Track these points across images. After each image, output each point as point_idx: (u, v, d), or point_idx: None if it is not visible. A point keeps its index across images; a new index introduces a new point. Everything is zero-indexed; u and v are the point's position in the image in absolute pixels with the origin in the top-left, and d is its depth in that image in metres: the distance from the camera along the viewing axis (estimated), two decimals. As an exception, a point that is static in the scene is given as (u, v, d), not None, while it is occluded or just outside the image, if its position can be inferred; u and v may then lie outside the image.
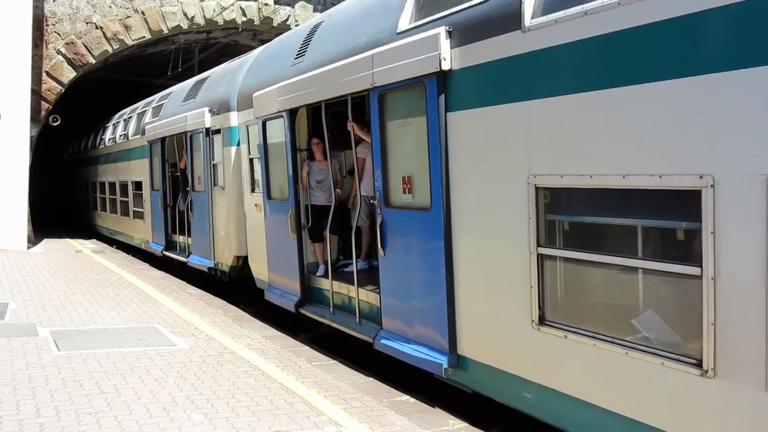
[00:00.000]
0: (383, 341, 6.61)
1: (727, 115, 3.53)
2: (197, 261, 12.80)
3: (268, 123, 9.02)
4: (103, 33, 19.63)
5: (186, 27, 20.50)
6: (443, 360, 5.72)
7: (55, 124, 20.52)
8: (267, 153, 9.15)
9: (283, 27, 20.01)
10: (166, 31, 20.31)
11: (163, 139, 14.43)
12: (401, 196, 6.35)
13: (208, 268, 12.25)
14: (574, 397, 4.53)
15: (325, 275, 8.15)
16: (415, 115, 6.08)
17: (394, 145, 6.50)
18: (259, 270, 10.11)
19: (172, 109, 14.36)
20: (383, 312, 6.71)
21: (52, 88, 19.08)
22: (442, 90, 5.60)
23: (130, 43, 19.97)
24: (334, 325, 7.79)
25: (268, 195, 9.13)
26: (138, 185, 17.42)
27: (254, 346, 7.78)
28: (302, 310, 8.41)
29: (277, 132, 8.78)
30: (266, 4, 21.00)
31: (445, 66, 5.50)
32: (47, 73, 18.97)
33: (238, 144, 10.85)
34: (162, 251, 14.87)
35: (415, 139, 6.09)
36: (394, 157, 6.51)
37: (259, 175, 9.84)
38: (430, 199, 5.82)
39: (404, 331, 6.35)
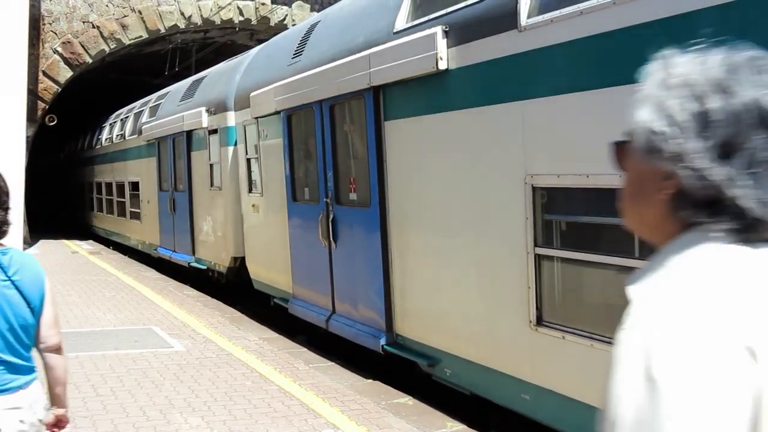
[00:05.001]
0: (335, 323, 7.40)
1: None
2: (179, 257, 13.41)
3: (293, 117, 8.37)
4: (100, 32, 19.59)
5: (183, 26, 20.47)
6: (381, 338, 6.52)
7: (52, 123, 20.47)
8: (291, 150, 8.46)
9: (281, 26, 19.99)
10: (163, 31, 20.28)
11: (173, 138, 13.90)
12: (348, 195, 7.26)
13: (188, 263, 12.93)
14: (571, 397, 4.51)
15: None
16: (358, 123, 6.98)
17: (342, 149, 7.39)
18: (259, 272, 10.08)
19: (170, 109, 14.33)
20: (335, 297, 7.43)
21: (48, 88, 19.04)
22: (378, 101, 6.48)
23: (127, 42, 19.94)
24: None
25: (293, 197, 8.46)
26: (135, 185, 17.38)
27: (251, 348, 7.76)
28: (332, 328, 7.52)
29: (306, 126, 8.17)
30: (263, 4, 20.98)
31: (442, 66, 5.49)
32: (44, 72, 18.93)
33: (235, 144, 10.82)
34: (171, 256, 14.68)
35: (360, 144, 6.92)
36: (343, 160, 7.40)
37: (256, 175, 9.81)
38: (369, 197, 6.68)
39: (352, 314, 7.14)
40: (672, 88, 1.07)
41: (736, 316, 0.95)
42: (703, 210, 1.04)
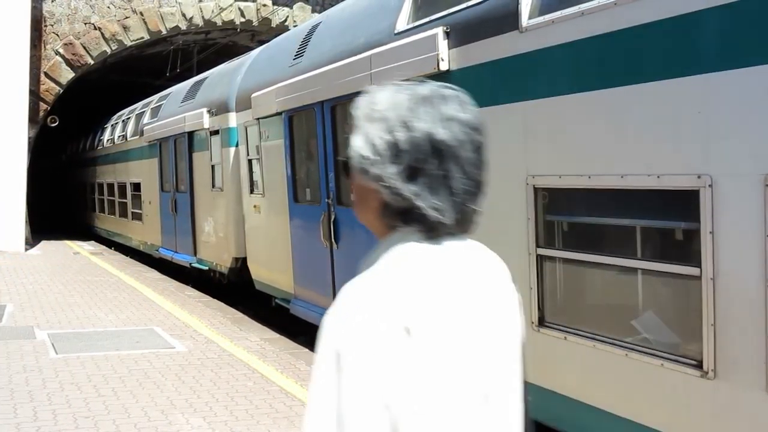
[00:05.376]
0: None
1: (724, 115, 3.51)
2: (181, 258, 13.41)
3: (295, 117, 8.35)
4: (102, 34, 19.61)
5: (184, 28, 20.49)
6: None
7: (54, 125, 20.50)
8: (293, 150, 8.47)
9: (282, 28, 20.00)
10: (164, 32, 20.30)
11: (175, 139, 13.92)
12: (350, 195, 7.22)
13: (190, 264, 12.91)
14: (574, 398, 4.52)
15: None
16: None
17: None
18: (260, 273, 10.09)
19: (171, 110, 14.34)
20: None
21: (50, 89, 19.06)
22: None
23: (128, 43, 19.96)
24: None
25: (294, 198, 8.46)
26: (136, 186, 17.39)
27: (253, 348, 7.76)
28: None
29: (307, 127, 8.15)
30: (264, 5, 20.99)
31: (443, 66, 5.49)
32: (45, 73, 18.95)
33: (237, 145, 10.84)
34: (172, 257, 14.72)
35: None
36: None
37: (258, 176, 9.83)
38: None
39: None
40: (374, 122, 1.34)
41: (398, 301, 1.24)
42: (400, 217, 1.33)
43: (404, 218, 1.33)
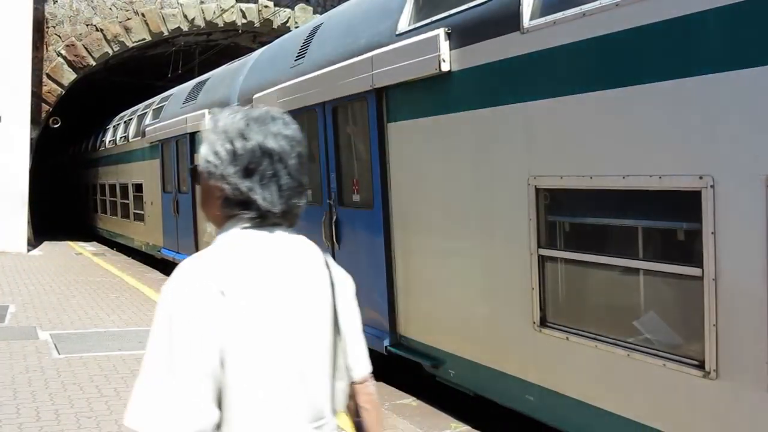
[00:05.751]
0: None
1: (726, 116, 3.51)
2: (183, 258, 13.34)
3: (296, 118, 8.09)
4: (104, 35, 19.64)
5: (186, 29, 20.51)
6: (385, 339, 6.57)
7: (56, 126, 20.53)
8: None
9: (283, 29, 20.01)
10: (166, 33, 20.32)
11: (176, 140, 13.87)
12: (351, 196, 7.24)
13: None
14: (575, 398, 4.52)
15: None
16: (361, 124, 6.96)
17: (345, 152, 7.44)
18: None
19: (173, 111, 14.36)
20: None
21: (52, 90, 19.09)
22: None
23: (130, 45, 19.98)
24: None
25: None
26: (138, 187, 17.41)
27: (255, 348, 7.76)
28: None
29: (309, 128, 7.88)
30: (266, 6, 21.01)
31: (445, 67, 5.50)
32: (47, 75, 18.98)
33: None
34: (175, 257, 14.77)
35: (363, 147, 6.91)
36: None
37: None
38: (372, 198, 6.73)
39: None
40: (218, 133, 1.72)
41: (217, 271, 1.62)
42: (238, 207, 1.70)
43: (241, 208, 1.69)
